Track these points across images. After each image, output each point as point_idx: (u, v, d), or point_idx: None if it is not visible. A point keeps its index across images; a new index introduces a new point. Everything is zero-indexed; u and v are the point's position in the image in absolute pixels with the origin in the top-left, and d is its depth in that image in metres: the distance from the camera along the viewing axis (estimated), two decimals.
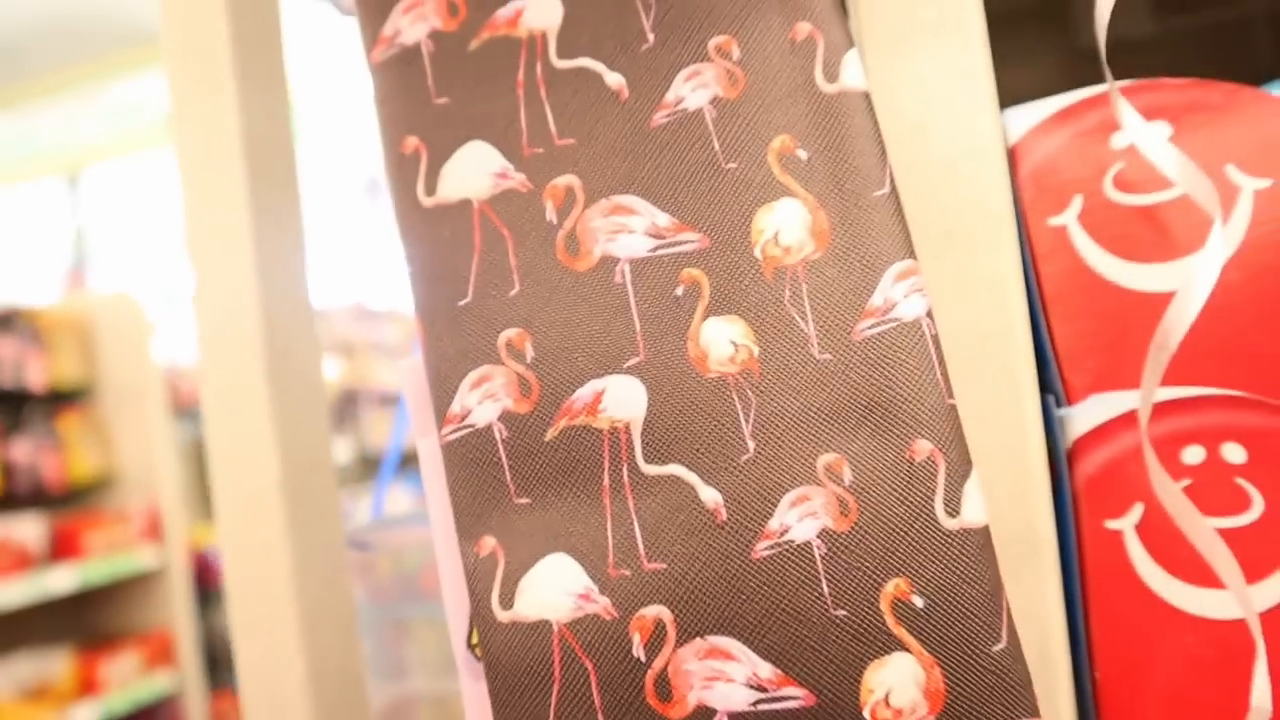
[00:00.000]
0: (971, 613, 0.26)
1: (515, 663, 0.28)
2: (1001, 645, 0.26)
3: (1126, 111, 0.30)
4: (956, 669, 0.26)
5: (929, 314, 0.28)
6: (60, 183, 3.57)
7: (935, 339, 0.27)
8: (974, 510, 0.27)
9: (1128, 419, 0.32)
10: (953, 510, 0.27)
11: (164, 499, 2.05)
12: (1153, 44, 0.68)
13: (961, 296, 0.33)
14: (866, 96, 0.29)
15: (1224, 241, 0.29)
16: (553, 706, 0.28)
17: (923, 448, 0.27)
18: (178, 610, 2.05)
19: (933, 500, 0.27)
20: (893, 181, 0.29)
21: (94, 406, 2.02)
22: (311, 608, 0.43)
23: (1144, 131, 0.30)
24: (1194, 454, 0.32)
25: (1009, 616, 0.26)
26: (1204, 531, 0.30)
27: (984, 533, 0.27)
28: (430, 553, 0.69)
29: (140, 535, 1.99)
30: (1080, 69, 0.38)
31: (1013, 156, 0.34)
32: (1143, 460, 0.32)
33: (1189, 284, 0.27)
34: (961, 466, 0.27)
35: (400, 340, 2.87)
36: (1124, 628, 0.33)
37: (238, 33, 0.43)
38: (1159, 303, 0.33)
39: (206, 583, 2.30)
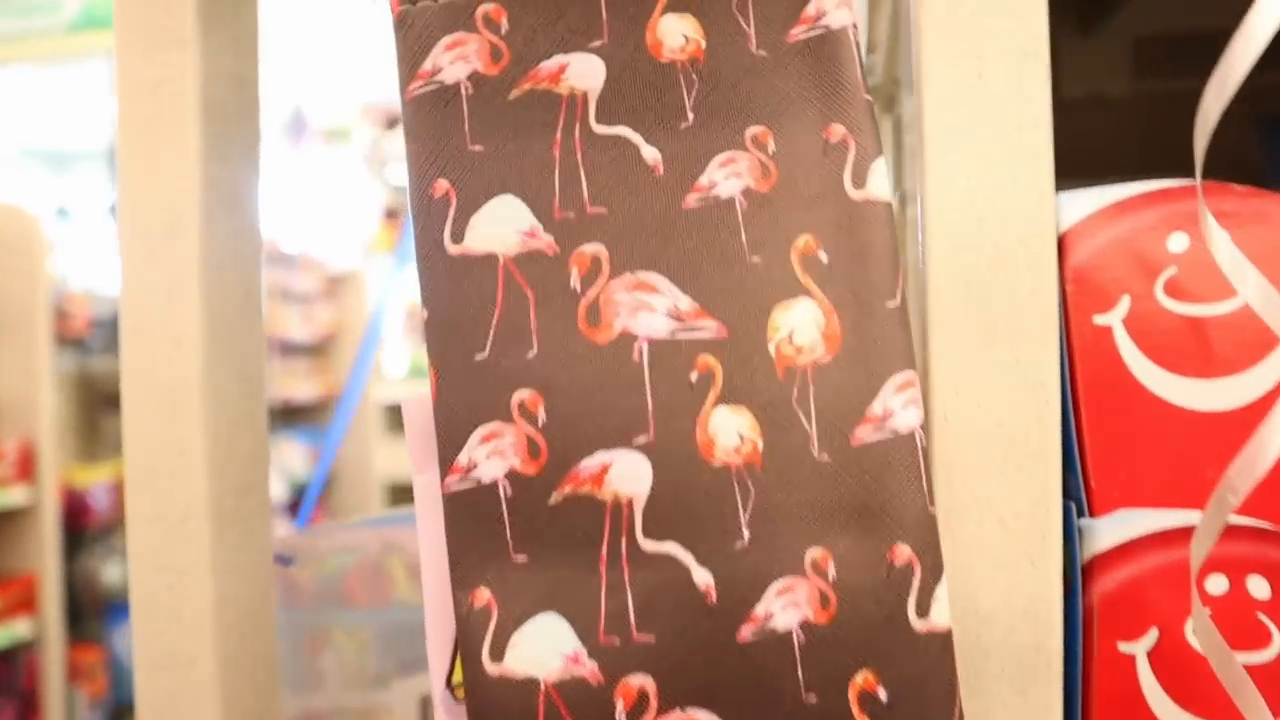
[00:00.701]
0: (929, 708, 0.28)
1: (500, 714, 0.29)
2: None
3: (1208, 219, 0.28)
4: None
5: (921, 426, 0.29)
6: None
7: (924, 450, 0.29)
8: (941, 614, 0.28)
9: (1155, 539, 0.31)
10: (923, 612, 0.28)
11: (40, 434, 1.92)
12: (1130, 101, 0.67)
13: (998, 393, 0.31)
14: (889, 206, 0.29)
15: None
16: None
17: (903, 552, 0.28)
18: (45, 554, 1.93)
19: (906, 601, 0.28)
20: (903, 294, 0.29)
21: None
22: (231, 642, 0.38)
23: (1220, 238, 0.28)
24: (1218, 583, 0.31)
25: (960, 712, 0.28)
26: (1231, 664, 0.29)
27: (948, 635, 0.28)
28: (355, 555, 0.64)
29: (10, 472, 1.85)
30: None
31: (1061, 245, 0.32)
32: (1165, 583, 0.31)
33: (1272, 423, 0.26)
34: (935, 572, 0.28)
35: (311, 288, 2.75)
36: None
37: None
38: (1200, 420, 0.31)
39: (77, 525, 2.17)
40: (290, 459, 2.57)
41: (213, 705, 0.37)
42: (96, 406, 2.34)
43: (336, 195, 3.11)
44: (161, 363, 0.37)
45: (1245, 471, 0.27)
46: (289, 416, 2.68)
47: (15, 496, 1.86)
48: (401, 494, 2.80)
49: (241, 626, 0.39)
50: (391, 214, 3.16)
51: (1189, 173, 0.35)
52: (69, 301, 2.20)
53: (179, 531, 0.37)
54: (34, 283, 1.88)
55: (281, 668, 0.53)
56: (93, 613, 2.21)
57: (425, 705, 0.56)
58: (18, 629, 1.84)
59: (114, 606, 2.22)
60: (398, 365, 2.89)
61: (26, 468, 1.90)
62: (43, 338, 1.91)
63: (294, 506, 2.46)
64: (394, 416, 2.82)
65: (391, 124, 3.18)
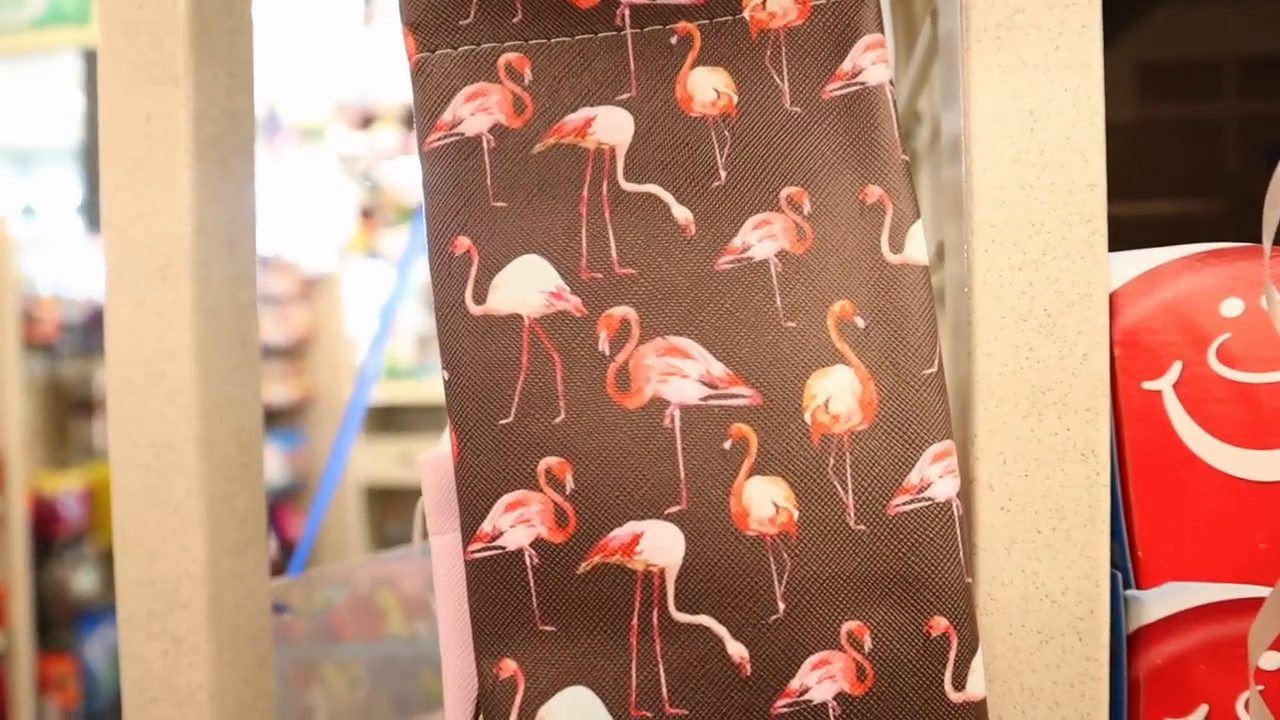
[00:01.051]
0: None
1: None
2: None
3: (1270, 283, 0.26)
4: None
5: (959, 495, 0.28)
6: None
7: (962, 520, 0.28)
8: (977, 685, 0.28)
9: (1205, 612, 0.30)
10: (959, 684, 0.28)
11: (8, 441, 1.87)
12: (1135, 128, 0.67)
13: (1046, 461, 0.29)
14: (926, 271, 0.29)
15: None
16: None
17: (939, 623, 0.28)
18: (14, 564, 1.88)
19: (943, 674, 0.28)
20: (940, 360, 0.28)
21: None
22: (229, 710, 0.36)
23: None
24: (1272, 659, 0.30)
25: None
26: None
27: (983, 705, 0.28)
28: (345, 589, 0.62)
29: None
30: None
31: (1111, 306, 0.31)
32: (1214, 658, 0.30)
33: None
34: (971, 643, 0.28)
35: (286, 290, 2.71)
36: None
37: None
38: (1253, 491, 0.30)
39: (47, 533, 2.11)
40: (267, 464, 2.53)
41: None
42: (66, 412, 2.29)
43: (311, 196, 3.06)
44: (153, 418, 0.35)
45: None
46: (265, 420, 2.64)
47: None
48: (379, 496, 2.76)
49: (240, 692, 0.37)
50: (367, 214, 3.12)
51: (1194, 197, 0.34)
52: (37, 305, 2.14)
53: (173, 595, 0.35)
54: (1, 284, 1.83)
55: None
56: (63, 622, 2.16)
57: None
58: None
59: (85, 615, 2.17)
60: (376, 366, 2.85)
61: None
62: (10, 342, 1.86)
63: (271, 512, 2.41)
64: (372, 419, 2.78)
65: (366, 123, 3.14)
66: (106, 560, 2.12)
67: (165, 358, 0.35)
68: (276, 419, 2.68)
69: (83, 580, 2.19)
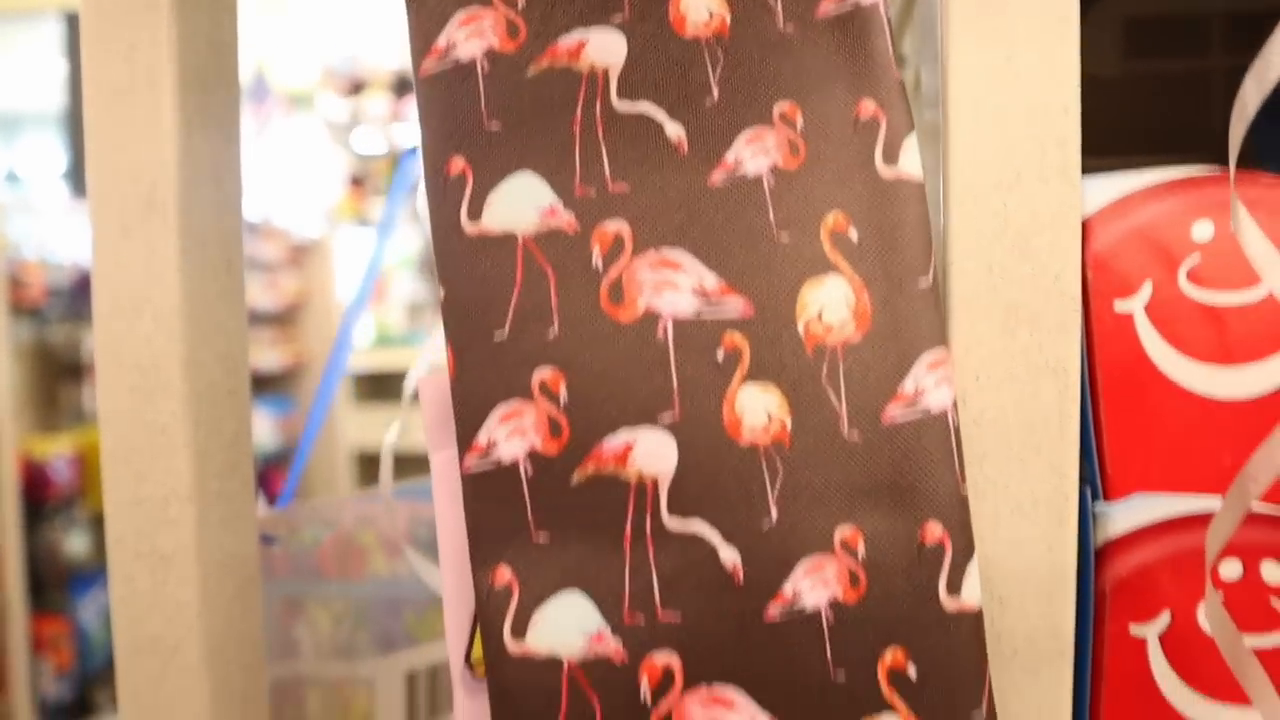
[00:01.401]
0: (958, 685, 0.28)
1: (522, 693, 0.29)
2: (981, 713, 0.28)
3: (1239, 207, 0.27)
4: None
5: (954, 404, 0.28)
6: None
7: (957, 429, 0.28)
8: (972, 592, 0.28)
9: (1170, 525, 0.31)
10: (954, 590, 0.28)
11: None
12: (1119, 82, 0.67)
13: (1018, 377, 0.30)
14: (921, 185, 0.29)
15: None
16: None
17: (934, 531, 0.28)
18: (4, 527, 1.88)
19: (937, 580, 0.28)
20: (936, 272, 0.29)
21: None
22: (218, 627, 0.37)
23: (1248, 224, 0.27)
24: (1232, 569, 0.31)
25: (990, 689, 0.28)
26: (1239, 647, 0.28)
27: (978, 615, 0.28)
28: (329, 528, 0.63)
29: None
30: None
31: (1085, 230, 0.31)
32: (1177, 568, 0.31)
33: None
34: (966, 551, 0.28)
35: (276, 257, 2.70)
36: None
37: None
38: (1218, 408, 0.31)
39: (37, 496, 2.12)
40: (257, 430, 2.53)
41: (200, 689, 0.36)
42: (54, 377, 2.28)
43: (300, 162, 3.04)
44: (140, 341, 0.35)
45: (1267, 461, 0.27)
46: (256, 386, 2.64)
47: None
48: (371, 464, 2.77)
49: (229, 610, 0.37)
50: (357, 181, 3.10)
51: (1181, 154, 0.34)
52: (23, 270, 2.13)
53: (161, 514, 0.35)
54: None
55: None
56: (56, 584, 2.17)
57: (411, 682, 0.55)
58: None
59: (77, 578, 2.18)
60: (363, 334, 2.85)
61: None
62: None
63: (261, 477, 2.42)
64: (362, 386, 2.78)
65: (355, 89, 3.11)
66: (98, 524, 2.13)
67: (152, 282, 0.35)
68: (267, 385, 2.68)
69: (74, 543, 2.19)
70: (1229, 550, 0.31)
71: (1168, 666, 0.31)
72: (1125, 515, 0.31)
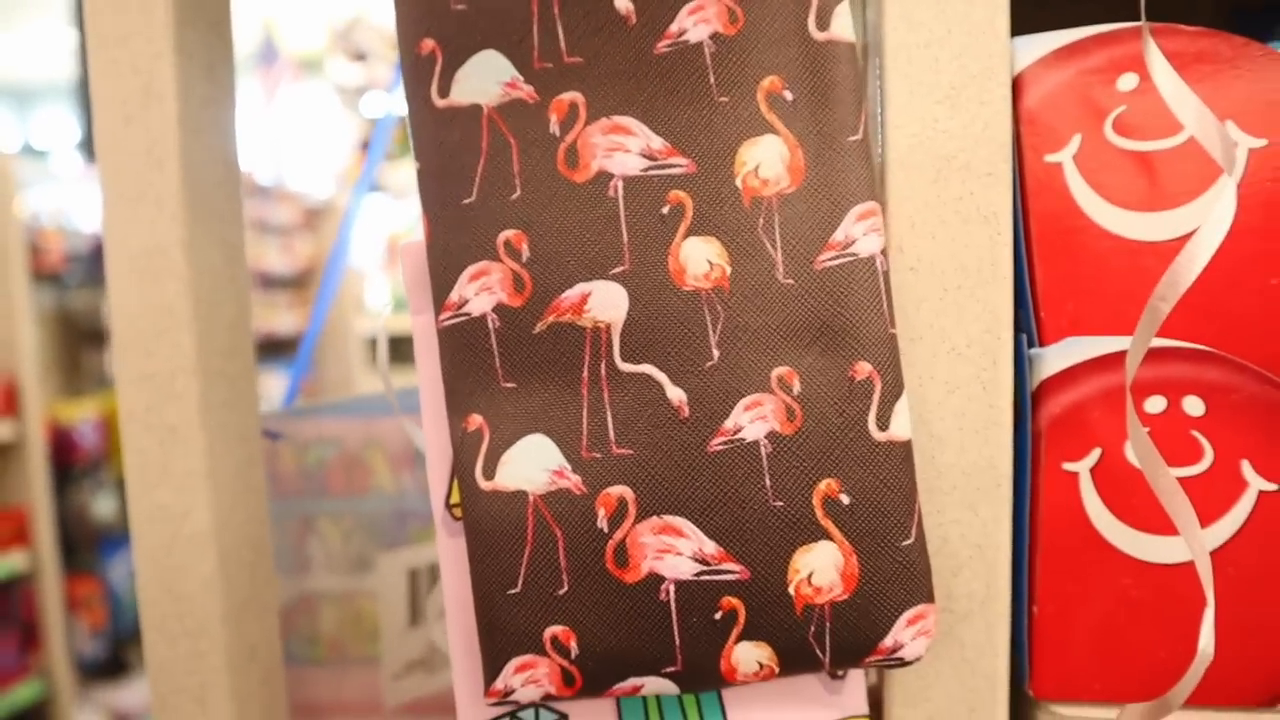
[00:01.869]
0: (888, 512, 0.30)
1: (493, 526, 0.32)
2: (910, 541, 0.31)
3: (1154, 53, 0.29)
4: (870, 558, 0.30)
5: (883, 252, 0.30)
6: None
7: (886, 275, 0.30)
8: (901, 426, 0.30)
9: (1098, 364, 0.33)
10: (883, 424, 0.30)
11: (21, 369, 1.91)
12: None
13: (950, 225, 0.32)
14: (853, 46, 0.31)
15: (1224, 197, 0.29)
16: (523, 565, 0.31)
17: (863, 368, 0.30)
18: (34, 487, 1.94)
19: (867, 414, 0.30)
20: (866, 128, 0.31)
21: None
22: (224, 498, 0.40)
23: (1167, 75, 0.29)
24: (1156, 404, 0.33)
25: (919, 517, 0.31)
26: (1165, 477, 0.31)
27: (907, 446, 0.31)
28: (336, 447, 0.66)
29: None
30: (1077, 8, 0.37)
31: (1016, 86, 0.33)
32: (1107, 406, 0.33)
33: (1201, 236, 0.27)
34: (895, 387, 0.30)
35: (290, 220, 2.73)
36: (1067, 566, 0.34)
37: None
38: (1144, 251, 0.33)
39: (65, 460, 2.17)
40: (273, 393, 2.58)
41: (209, 554, 0.39)
42: (77, 342, 2.33)
43: (310, 126, 3.06)
44: (144, 224, 0.38)
45: (1173, 282, 0.29)
46: (271, 350, 2.68)
47: (0, 431, 1.86)
48: None
49: (233, 485, 0.40)
50: (366, 146, 3.12)
51: (1112, 10, 0.35)
52: (42, 237, 2.17)
53: (168, 388, 0.38)
54: (5, 218, 1.86)
55: (273, 554, 0.55)
56: (86, 546, 2.23)
57: (413, 577, 0.58)
58: (13, 561, 1.86)
59: (107, 540, 2.24)
60: (380, 297, 2.88)
61: (9, 403, 1.90)
62: (18, 272, 1.89)
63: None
64: (376, 350, 2.81)
65: (359, 57, 3.12)
66: (125, 488, 2.18)
67: (153, 168, 0.37)
68: (284, 348, 2.72)
69: (102, 506, 2.25)
70: (1153, 388, 0.33)
71: (1099, 500, 0.33)
72: (1058, 357, 0.33)
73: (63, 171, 2.38)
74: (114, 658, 2.26)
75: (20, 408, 1.91)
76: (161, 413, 0.38)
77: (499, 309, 0.32)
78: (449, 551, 0.34)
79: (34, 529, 1.93)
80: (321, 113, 3.09)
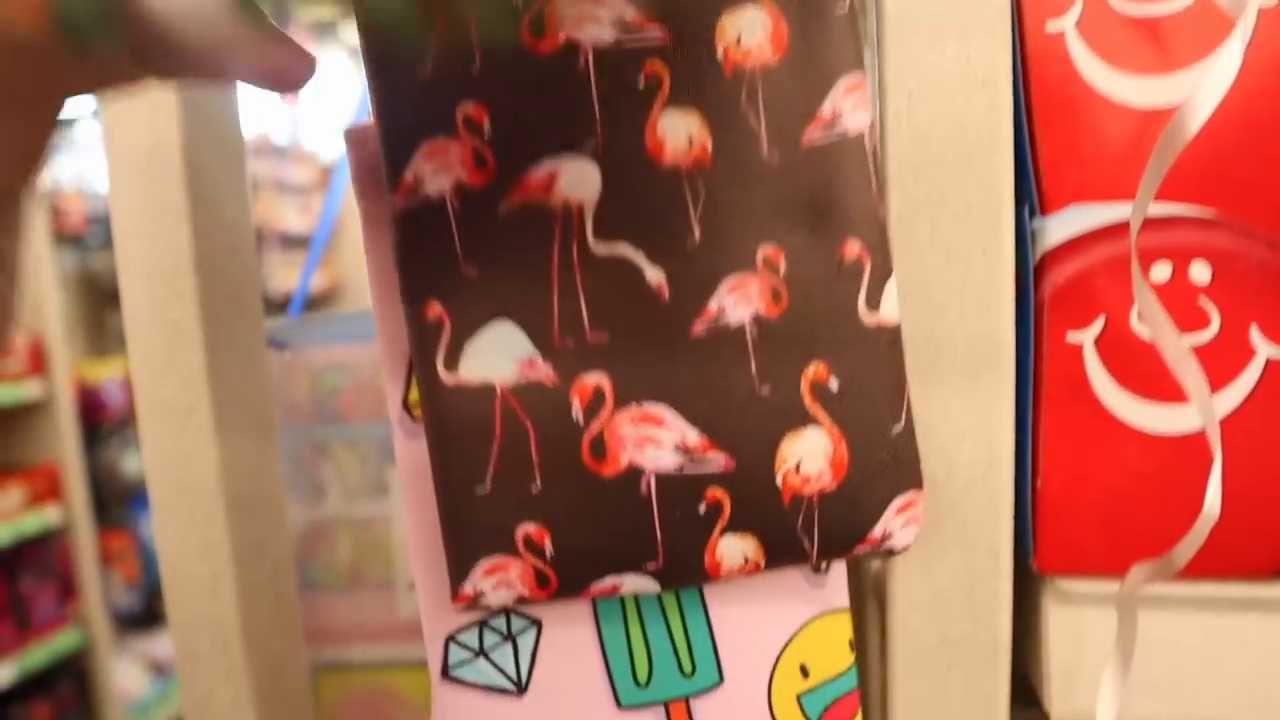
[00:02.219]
0: (878, 397, 0.29)
1: (458, 421, 0.30)
2: (900, 427, 0.30)
3: None
4: (859, 444, 0.29)
5: (871, 127, 0.29)
6: None
7: (874, 151, 0.29)
8: (890, 309, 0.29)
9: (1103, 233, 0.32)
10: (873, 306, 0.29)
11: (47, 329, 1.94)
12: None
13: (949, 90, 0.32)
14: None
15: (1231, 50, 0.28)
16: (492, 461, 0.29)
17: (853, 248, 0.29)
18: (64, 444, 1.97)
19: (856, 296, 0.29)
20: (853, 3, 0.29)
21: None
22: (229, 415, 0.40)
23: None
24: (1162, 271, 0.32)
25: (908, 403, 0.30)
26: (1173, 340, 0.30)
27: (896, 329, 0.29)
28: (349, 374, 0.66)
29: (23, 367, 1.88)
30: None
31: None
32: (1111, 274, 0.32)
33: (1202, 92, 0.26)
34: (884, 268, 0.29)
35: (307, 180, 2.73)
36: (1071, 439, 0.33)
37: None
38: (1148, 118, 0.32)
39: (93, 418, 2.21)
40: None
41: (211, 450, 0.39)
42: (101, 303, 2.36)
43: (325, 87, 3.05)
44: (143, 130, 0.38)
45: (1179, 131, 0.28)
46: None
47: (30, 390, 1.89)
48: None
49: (238, 376, 0.41)
50: None
51: None
52: (63, 199, 2.19)
53: (171, 286, 0.38)
54: None
55: (285, 481, 0.56)
56: (117, 502, 2.28)
57: None
58: (48, 515, 1.90)
59: (138, 496, 2.28)
60: None
61: (37, 362, 1.93)
62: (40, 235, 1.91)
63: None
64: None
65: None
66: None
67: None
68: (305, 309, 2.74)
69: (131, 463, 2.29)
70: (1159, 253, 0.32)
71: (1102, 369, 0.33)
72: (1061, 226, 0.33)
73: (82, 135, 2.40)
74: (148, 609, 2.32)
75: (48, 367, 1.95)
76: (165, 311, 0.39)
77: (459, 189, 0.29)
78: (408, 455, 0.32)
79: (66, 485, 1.97)
80: (335, 73, 3.07)
